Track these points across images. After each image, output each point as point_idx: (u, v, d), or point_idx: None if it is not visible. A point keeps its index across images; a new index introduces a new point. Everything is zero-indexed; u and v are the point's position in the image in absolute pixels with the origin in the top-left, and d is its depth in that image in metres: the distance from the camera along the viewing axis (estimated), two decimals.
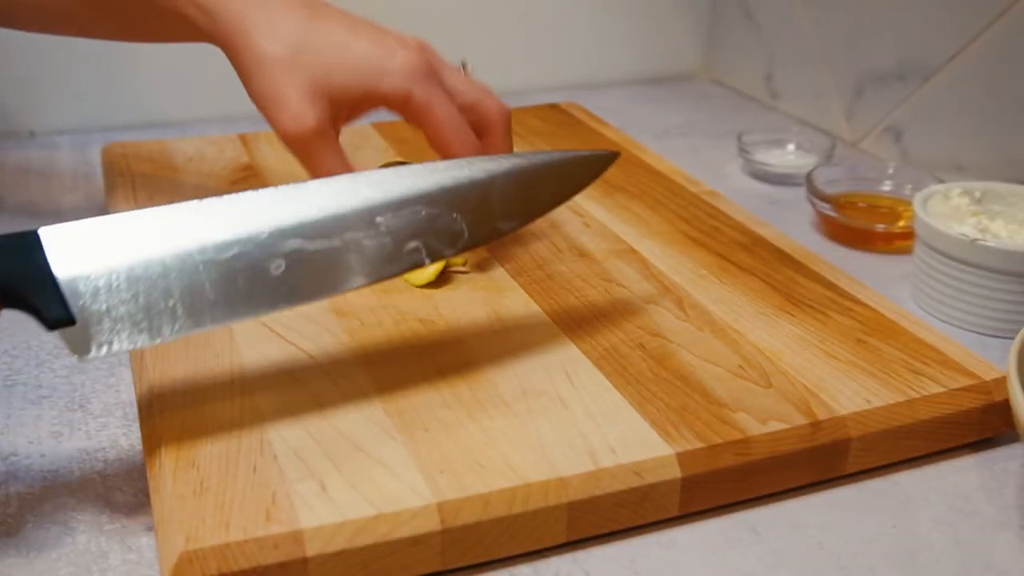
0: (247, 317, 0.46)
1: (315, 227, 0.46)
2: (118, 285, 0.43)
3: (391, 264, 0.48)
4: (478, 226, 0.50)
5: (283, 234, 0.46)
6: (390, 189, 0.48)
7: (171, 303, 0.44)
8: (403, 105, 0.57)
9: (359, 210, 0.47)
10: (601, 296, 0.59)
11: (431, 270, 0.59)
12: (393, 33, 0.59)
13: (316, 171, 0.57)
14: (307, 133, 0.56)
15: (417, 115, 0.58)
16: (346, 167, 0.57)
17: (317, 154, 0.57)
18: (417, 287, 0.59)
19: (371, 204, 0.47)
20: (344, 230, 0.47)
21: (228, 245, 0.45)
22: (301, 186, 0.47)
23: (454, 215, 0.49)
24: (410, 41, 0.59)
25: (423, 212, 0.48)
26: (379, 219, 0.47)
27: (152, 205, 0.71)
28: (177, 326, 0.44)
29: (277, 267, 0.46)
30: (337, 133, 0.58)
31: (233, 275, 0.45)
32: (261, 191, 0.46)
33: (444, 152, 0.58)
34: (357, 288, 0.48)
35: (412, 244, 0.48)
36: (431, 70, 0.58)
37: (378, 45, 0.57)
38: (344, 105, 0.57)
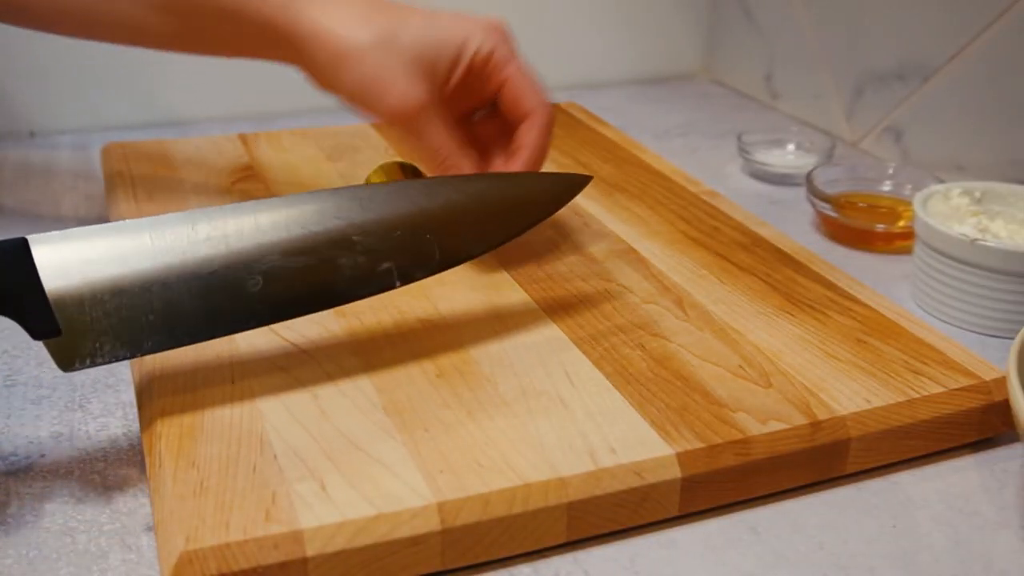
0: (223, 334, 0.46)
1: (294, 244, 0.47)
2: (103, 298, 0.44)
3: (364, 286, 0.49)
4: (450, 248, 0.50)
5: (263, 251, 0.46)
6: (369, 208, 0.49)
7: (151, 318, 0.44)
8: (486, 63, 0.60)
9: (338, 228, 0.48)
10: (601, 296, 0.59)
11: None
12: (462, 12, 0.61)
13: (427, 147, 0.59)
14: (417, 110, 0.58)
15: (499, 70, 0.60)
16: (453, 141, 0.59)
17: (427, 130, 0.59)
18: None
19: (350, 223, 0.48)
20: (322, 248, 0.47)
21: (210, 260, 0.45)
22: (285, 200, 0.48)
23: (427, 236, 0.50)
24: (482, 17, 0.61)
25: (398, 233, 0.49)
26: (356, 238, 0.48)
27: (152, 205, 0.71)
28: (154, 341, 0.45)
29: (255, 284, 0.46)
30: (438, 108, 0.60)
31: (212, 291, 0.45)
32: (247, 204, 0.47)
33: (517, 109, 0.61)
34: (330, 308, 0.49)
35: (385, 265, 0.49)
36: (509, 35, 0.62)
37: (457, 18, 0.60)
38: (441, 77, 0.59)
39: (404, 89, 0.57)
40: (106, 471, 0.48)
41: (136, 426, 0.51)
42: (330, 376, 0.51)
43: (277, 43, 0.60)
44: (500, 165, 0.63)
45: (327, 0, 0.59)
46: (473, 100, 0.63)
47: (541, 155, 0.61)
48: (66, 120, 0.92)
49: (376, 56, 0.57)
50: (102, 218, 0.74)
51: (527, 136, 0.61)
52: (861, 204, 0.74)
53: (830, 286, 0.60)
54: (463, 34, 0.59)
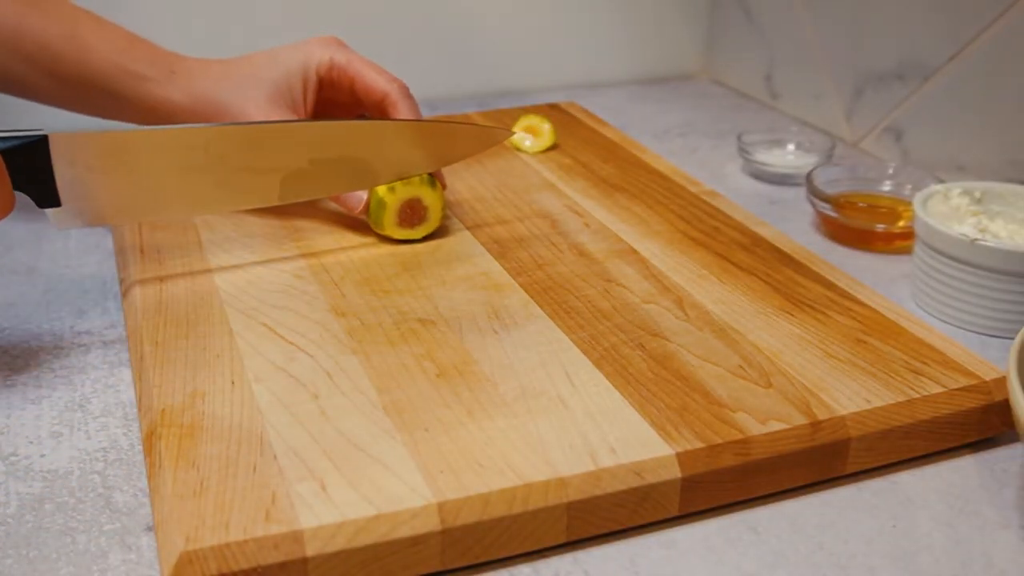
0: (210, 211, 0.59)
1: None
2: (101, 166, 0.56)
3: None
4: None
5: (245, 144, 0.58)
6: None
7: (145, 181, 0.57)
8: (330, 70, 0.66)
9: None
10: (601, 296, 0.59)
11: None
12: (298, 41, 0.68)
13: None
14: None
15: (344, 71, 0.66)
16: None
17: None
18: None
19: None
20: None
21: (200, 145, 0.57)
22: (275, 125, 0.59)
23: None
24: (314, 37, 0.68)
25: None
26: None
27: None
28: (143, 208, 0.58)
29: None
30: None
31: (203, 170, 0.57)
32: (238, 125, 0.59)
33: (373, 95, 0.66)
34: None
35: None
36: (342, 42, 0.67)
37: (293, 46, 0.67)
38: (299, 99, 0.66)
39: (265, 117, 0.64)
40: (106, 471, 0.48)
41: (136, 426, 0.51)
42: (330, 376, 0.51)
43: (155, 112, 0.67)
44: None
45: (197, 73, 0.66)
46: (341, 110, 0.69)
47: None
48: (66, 120, 0.91)
49: (242, 105, 0.65)
50: None
51: (398, 115, 0.66)
52: (861, 204, 0.74)
53: (830, 286, 0.60)
54: (303, 55, 0.66)
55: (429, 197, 0.64)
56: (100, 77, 0.59)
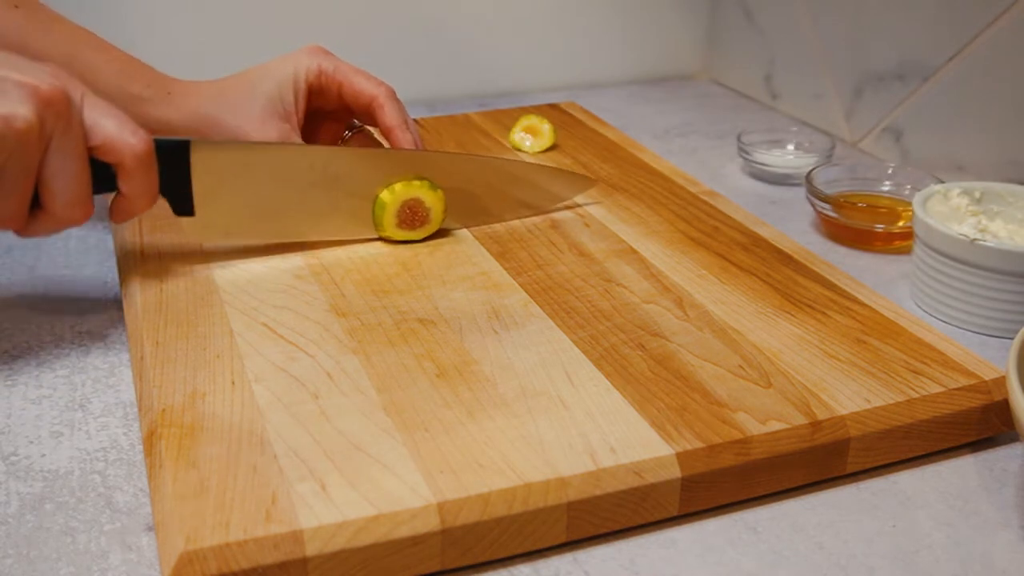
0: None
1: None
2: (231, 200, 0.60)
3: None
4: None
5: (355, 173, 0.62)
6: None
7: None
8: (319, 77, 0.67)
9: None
10: (601, 296, 0.59)
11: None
12: (284, 53, 0.68)
13: None
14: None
15: (331, 78, 0.67)
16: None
17: None
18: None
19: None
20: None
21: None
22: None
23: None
24: (300, 48, 0.68)
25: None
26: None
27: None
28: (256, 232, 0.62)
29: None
30: None
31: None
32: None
33: (361, 99, 0.67)
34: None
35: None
36: (327, 51, 0.68)
37: (280, 58, 0.67)
38: (291, 109, 0.67)
39: (260, 133, 0.65)
40: (106, 471, 0.48)
41: (136, 426, 0.51)
42: (330, 376, 0.51)
43: (152, 133, 0.64)
44: None
45: (192, 93, 0.67)
46: (331, 119, 0.70)
47: (409, 125, 0.67)
48: None
49: (237, 120, 0.66)
50: (102, 218, 0.74)
51: (386, 116, 0.66)
52: (861, 204, 0.74)
53: (830, 286, 0.60)
54: (291, 66, 0.66)
55: (430, 199, 0.64)
56: (100, 98, 0.59)
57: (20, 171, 0.50)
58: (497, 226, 0.68)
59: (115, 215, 0.57)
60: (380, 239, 0.65)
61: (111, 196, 0.56)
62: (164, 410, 0.48)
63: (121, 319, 0.61)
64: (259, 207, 0.62)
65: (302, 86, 0.67)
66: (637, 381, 0.51)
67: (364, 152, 0.63)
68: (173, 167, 0.58)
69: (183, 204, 0.59)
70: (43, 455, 0.49)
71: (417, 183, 0.64)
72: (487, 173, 0.67)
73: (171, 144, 0.58)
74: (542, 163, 0.70)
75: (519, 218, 0.69)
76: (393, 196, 0.63)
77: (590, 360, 0.52)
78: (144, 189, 0.55)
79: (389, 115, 0.66)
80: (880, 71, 0.87)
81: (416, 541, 0.42)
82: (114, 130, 0.53)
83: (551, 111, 0.92)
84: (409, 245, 0.65)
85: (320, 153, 0.62)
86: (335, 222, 0.64)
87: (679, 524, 0.46)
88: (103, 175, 0.54)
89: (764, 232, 0.67)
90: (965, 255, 0.60)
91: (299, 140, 0.67)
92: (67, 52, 0.65)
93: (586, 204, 0.71)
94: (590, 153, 0.82)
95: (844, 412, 0.49)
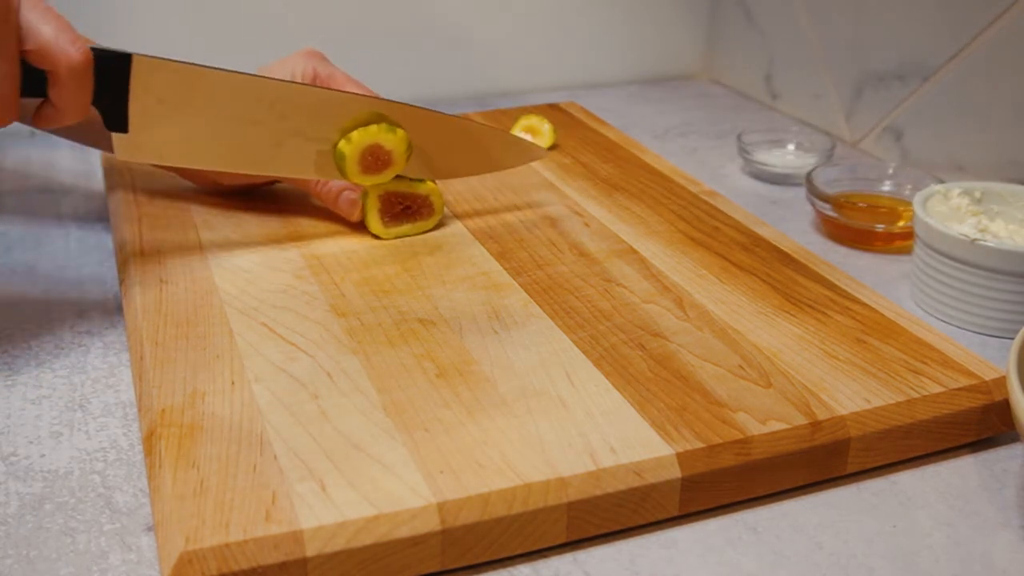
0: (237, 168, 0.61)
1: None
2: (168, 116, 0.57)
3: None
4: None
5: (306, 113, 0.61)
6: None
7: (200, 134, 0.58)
8: (314, 81, 0.67)
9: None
10: (601, 296, 0.59)
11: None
12: (283, 57, 0.68)
13: None
14: None
15: (325, 84, 0.67)
16: None
17: None
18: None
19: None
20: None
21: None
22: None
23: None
24: (296, 52, 0.68)
25: None
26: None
27: (152, 205, 0.71)
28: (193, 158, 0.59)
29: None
30: None
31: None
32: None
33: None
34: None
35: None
36: (322, 55, 0.69)
37: (278, 63, 0.68)
38: None
39: None
40: (106, 471, 0.48)
41: (136, 426, 0.51)
42: (330, 376, 0.51)
43: None
44: None
45: None
46: None
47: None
48: None
49: None
50: (102, 217, 0.74)
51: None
52: (861, 204, 0.74)
53: (830, 286, 0.60)
54: (288, 70, 0.67)
55: (390, 141, 0.63)
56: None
57: None
58: (497, 226, 0.68)
59: (38, 121, 0.55)
60: (376, 237, 0.65)
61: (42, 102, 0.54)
62: (164, 410, 0.48)
63: (121, 319, 0.61)
64: (198, 133, 0.59)
65: None
66: (637, 381, 0.51)
67: (317, 92, 0.61)
68: (112, 80, 0.55)
69: (117, 119, 0.56)
70: (43, 455, 0.49)
71: (375, 128, 0.62)
72: (439, 127, 0.65)
73: (111, 56, 0.55)
74: (495, 127, 0.69)
75: (467, 175, 0.69)
76: (351, 146, 0.62)
77: (590, 360, 0.52)
78: (74, 102, 0.53)
79: None
80: (880, 71, 0.87)
81: (416, 541, 0.42)
82: (51, 37, 0.51)
83: (551, 111, 0.92)
84: (409, 245, 0.65)
85: (271, 87, 0.60)
86: (278, 160, 0.62)
87: (679, 524, 0.46)
88: (35, 79, 0.52)
89: (764, 232, 0.67)
90: (965, 255, 0.60)
91: None
92: None
93: (586, 204, 0.71)
94: (590, 153, 0.82)
95: (844, 412, 0.49)
